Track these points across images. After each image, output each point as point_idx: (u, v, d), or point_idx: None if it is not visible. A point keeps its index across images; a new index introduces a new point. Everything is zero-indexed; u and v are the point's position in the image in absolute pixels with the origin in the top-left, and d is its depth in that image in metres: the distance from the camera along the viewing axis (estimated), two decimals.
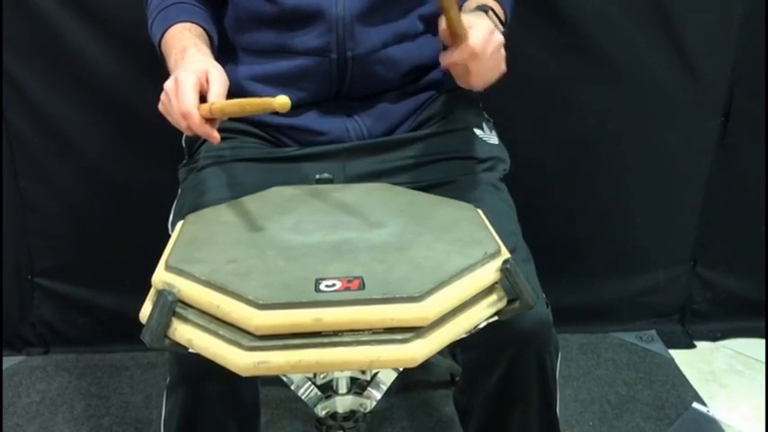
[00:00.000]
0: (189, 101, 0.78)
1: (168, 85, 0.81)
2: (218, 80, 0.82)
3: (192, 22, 0.96)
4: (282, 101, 0.69)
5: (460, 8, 1.01)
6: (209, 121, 0.79)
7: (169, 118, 0.82)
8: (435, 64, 1.07)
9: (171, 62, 0.91)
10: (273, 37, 0.98)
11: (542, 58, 1.46)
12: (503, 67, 0.87)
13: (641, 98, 1.51)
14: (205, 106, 0.79)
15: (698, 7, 1.43)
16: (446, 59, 0.84)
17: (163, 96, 0.82)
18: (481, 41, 0.82)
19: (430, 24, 1.05)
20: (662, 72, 1.49)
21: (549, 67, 1.47)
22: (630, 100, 1.51)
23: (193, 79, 0.80)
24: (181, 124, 0.80)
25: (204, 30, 0.97)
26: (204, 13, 1.00)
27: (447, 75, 1.09)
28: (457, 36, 0.82)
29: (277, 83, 1.00)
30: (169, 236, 0.78)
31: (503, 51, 0.86)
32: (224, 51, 1.03)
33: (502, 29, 0.96)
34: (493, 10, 0.96)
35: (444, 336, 0.65)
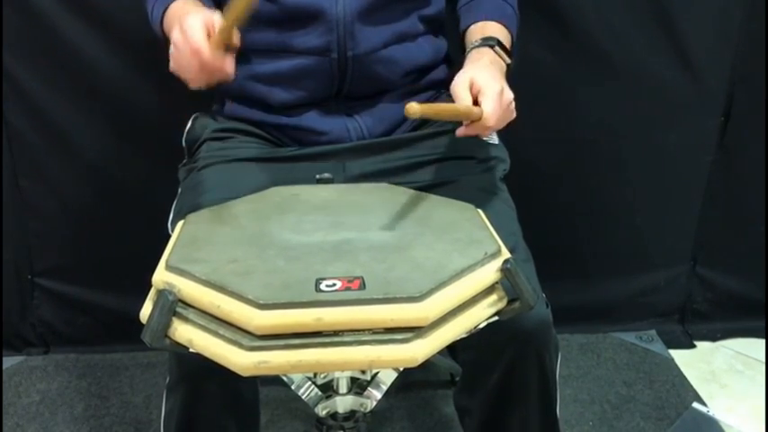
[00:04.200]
0: (198, 36, 0.78)
1: (176, 35, 0.80)
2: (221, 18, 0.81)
3: None
4: None
5: (464, 33, 1.01)
6: (223, 55, 0.79)
7: (181, 67, 0.81)
8: (436, 64, 1.08)
9: (173, 34, 0.87)
10: (274, 36, 0.98)
11: (542, 58, 1.46)
12: (514, 115, 0.87)
13: (641, 98, 1.51)
14: (214, 36, 0.79)
15: (698, 7, 1.43)
16: (463, 133, 0.84)
17: (172, 50, 0.81)
18: (495, 116, 0.81)
19: (431, 25, 1.05)
20: (662, 72, 1.49)
21: (549, 67, 1.47)
22: (630, 100, 1.51)
23: (200, 21, 0.80)
24: (193, 65, 0.79)
25: (203, 3, 0.96)
26: None
27: (447, 75, 1.09)
28: (471, 120, 0.82)
29: (277, 82, 1.00)
30: (169, 236, 0.78)
31: (513, 104, 0.86)
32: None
33: (508, 60, 0.96)
34: (499, 42, 0.96)
35: (444, 336, 0.65)
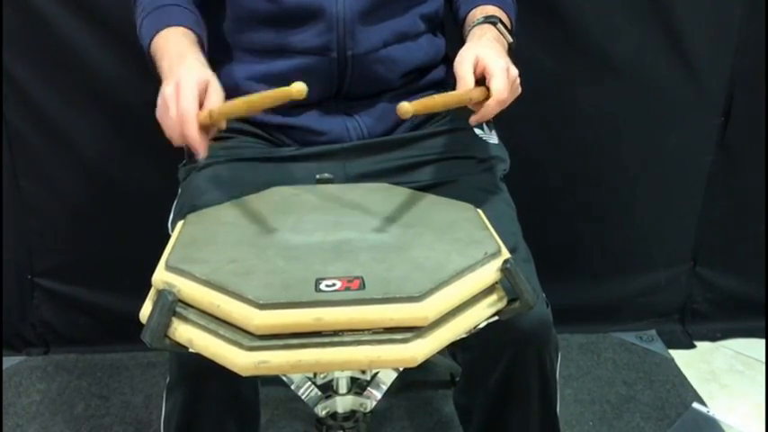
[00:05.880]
0: (189, 103, 0.77)
1: (168, 90, 0.79)
2: (218, 92, 0.81)
3: (186, 27, 0.94)
4: (299, 87, 0.68)
5: (463, 20, 1.02)
6: (204, 134, 0.78)
7: (165, 124, 0.80)
8: (435, 64, 1.08)
9: (164, 64, 0.88)
10: (273, 36, 0.98)
11: (542, 58, 1.46)
12: (519, 91, 0.87)
13: (641, 98, 1.51)
14: (204, 112, 0.78)
15: (698, 7, 1.43)
16: (474, 120, 0.84)
17: (160, 100, 0.80)
18: (504, 94, 0.81)
19: (430, 23, 1.05)
20: (662, 72, 1.49)
21: (549, 67, 1.47)
22: (630, 100, 1.51)
23: (194, 86, 0.78)
24: (175, 130, 0.78)
25: (197, 35, 0.95)
26: (196, 17, 0.98)
27: (447, 75, 1.09)
28: (473, 102, 0.82)
29: (277, 82, 0.98)
30: (169, 236, 0.78)
31: (518, 80, 0.86)
32: (223, 51, 1.02)
33: (510, 39, 0.96)
34: (501, 21, 0.96)
35: (444, 336, 0.65)
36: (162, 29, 0.93)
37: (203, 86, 0.80)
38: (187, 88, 0.78)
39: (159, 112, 0.81)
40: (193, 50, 0.90)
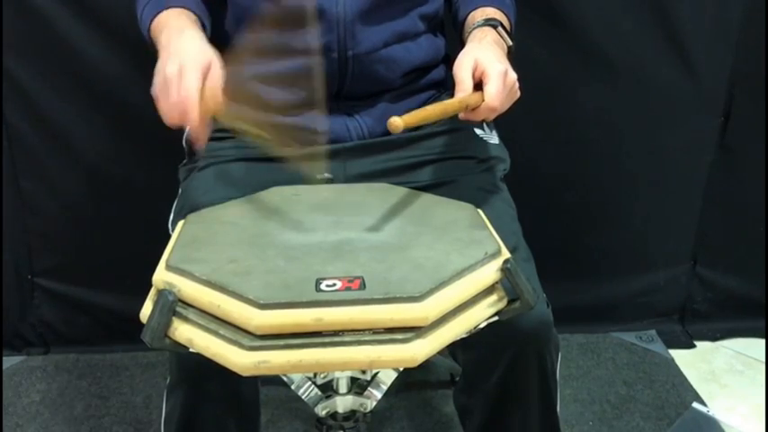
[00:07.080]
0: (192, 88, 0.75)
1: (171, 69, 0.76)
2: (218, 73, 0.79)
3: (186, 9, 0.93)
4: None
5: (463, 22, 1.02)
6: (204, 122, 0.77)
7: (163, 105, 0.77)
8: (435, 64, 1.08)
9: (162, 38, 0.87)
10: (274, 36, 0.98)
11: (542, 58, 1.46)
12: (518, 96, 0.87)
13: (641, 98, 1.51)
14: (205, 100, 0.76)
15: (698, 7, 1.43)
16: (463, 117, 0.84)
17: (159, 78, 0.78)
18: (500, 97, 0.81)
19: (430, 24, 1.05)
20: (662, 72, 1.49)
21: (549, 67, 1.47)
22: (630, 100, 1.51)
23: (199, 68, 0.77)
24: (174, 114, 0.76)
25: (197, 16, 0.94)
26: (199, 1, 0.98)
27: (447, 75, 1.10)
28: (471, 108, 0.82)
29: (278, 82, 1.00)
30: (169, 236, 0.78)
31: (517, 84, 0.86)
32: (224, 51, 1.02)
33: (510, 42, 0.96)
34: (502, 24, 0.96)
35: (444, 336, 0.65)
36: (162, 11, 0.92)
37: (206, 68, 0.78)
38: (191, 71, 0.76)
39: (157, 90, 0.78)
40: (192, 26, 0.89)
